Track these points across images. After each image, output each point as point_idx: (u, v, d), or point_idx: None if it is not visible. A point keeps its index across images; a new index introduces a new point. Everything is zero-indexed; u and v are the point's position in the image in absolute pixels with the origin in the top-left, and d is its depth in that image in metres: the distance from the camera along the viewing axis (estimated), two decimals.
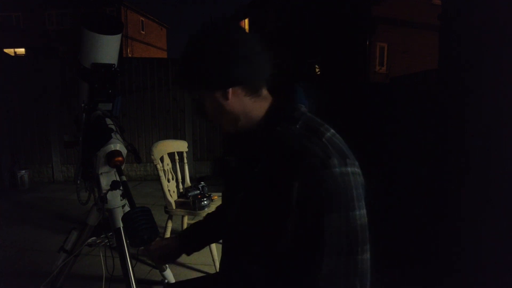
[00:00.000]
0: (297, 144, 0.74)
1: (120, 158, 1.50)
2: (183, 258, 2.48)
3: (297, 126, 0.79)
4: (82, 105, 1.64)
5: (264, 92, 0.87)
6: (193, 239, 1.11)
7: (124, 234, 1.55)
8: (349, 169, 0.73)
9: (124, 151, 1.55)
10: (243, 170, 0.88)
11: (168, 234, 2.50)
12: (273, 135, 0.80)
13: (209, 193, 2.49)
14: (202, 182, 2.48)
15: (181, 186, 2.72)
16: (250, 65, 0.81)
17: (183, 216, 2.49)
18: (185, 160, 2.82)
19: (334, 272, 0.71)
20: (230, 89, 0.81)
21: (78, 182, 1.72)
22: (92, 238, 1.73)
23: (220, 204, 1.18)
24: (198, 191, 2.42)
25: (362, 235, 0.72)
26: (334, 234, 0.70)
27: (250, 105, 0.84)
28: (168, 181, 2.53)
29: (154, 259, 1.04)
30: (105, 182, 1.57)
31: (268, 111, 0.85)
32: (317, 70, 10.48)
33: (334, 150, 0.74)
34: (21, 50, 18.63)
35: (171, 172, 2.60)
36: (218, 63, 0.79)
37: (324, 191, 0.70)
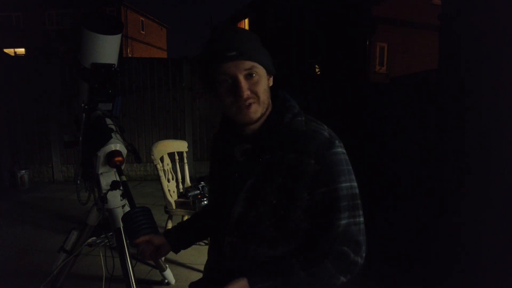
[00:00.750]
0: (307, 128, 0.90)
1: (120, 158, 1.50)
2: (182, 258, 2.49)
3: (302, 118, 0.92)
4: (82, 105, 1.64)
5: None
6: (178, 238, 1.11)
7: (124, 234, 1.55)
8: (343, 150, 0.90)
9: (124, 151, 1.56)
10: (250, 161, 0.92)
11: None
12: (283, 125, 0.90)
13: None
14: (202, 182, 2.48)
15: (181, 186, 2.72)
16: None
17: (183, 216, 2.49)
18: (185, 160, 2.82)
19: (347, 231, 0.85)
20: (272, 77, 0.95)
21: (78, 182, 1.73)
22: (92, 238, 1.73)
23: (207, 204, 1.19)
24: (198, 191, 2.42)
25: (359, 201, 0.89)
26: (345, 199, 0.86)
27: (269, 98, 0.94)
28: (168, 181, 2.54)
29: (146, 256, 1.04)
30: (105, 182, 1.57)
31: (274, 107, 0.95)
32: (317, 70, 10.47)
33: (333, 134, 0.91)
34: (21, 50, 18.60)
35: (171, 172, 2.60)
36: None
37: (335, 165, 0.86)
